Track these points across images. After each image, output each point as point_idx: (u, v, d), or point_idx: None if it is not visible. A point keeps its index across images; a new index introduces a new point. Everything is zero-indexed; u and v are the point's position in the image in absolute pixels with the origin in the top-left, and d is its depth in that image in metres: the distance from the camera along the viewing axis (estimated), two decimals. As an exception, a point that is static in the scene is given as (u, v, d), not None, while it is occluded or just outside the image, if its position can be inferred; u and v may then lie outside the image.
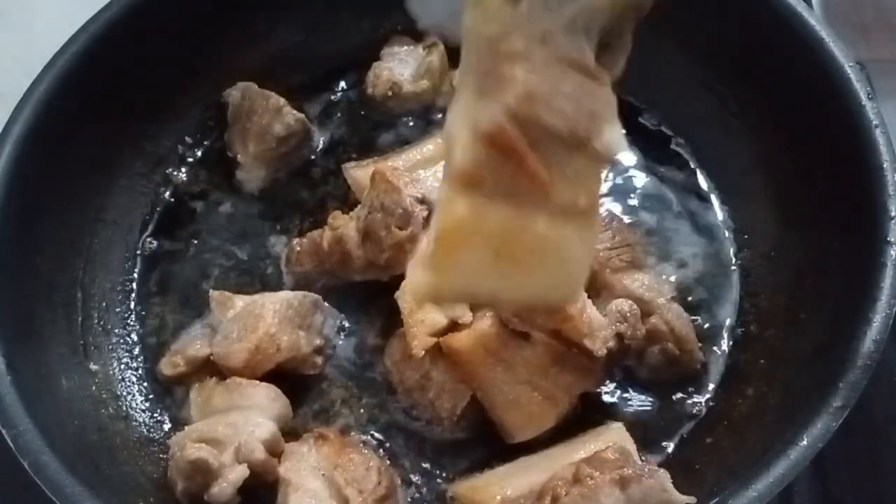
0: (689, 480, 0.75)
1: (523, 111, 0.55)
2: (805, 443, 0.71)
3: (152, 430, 0.91)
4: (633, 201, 1.02)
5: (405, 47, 1.12)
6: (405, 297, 0.87)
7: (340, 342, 0.95)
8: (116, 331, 0.97)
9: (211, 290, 0.94)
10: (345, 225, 0.93)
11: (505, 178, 0.56)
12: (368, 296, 0.95)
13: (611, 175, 1.04)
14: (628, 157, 1.05)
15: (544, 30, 0.55)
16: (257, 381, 0.87)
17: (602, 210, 1.01)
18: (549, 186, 0.56)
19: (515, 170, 0.56)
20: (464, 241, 0.56)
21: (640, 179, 1.04)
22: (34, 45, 0.99)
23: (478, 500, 0.81)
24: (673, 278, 0.96)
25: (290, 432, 0.87)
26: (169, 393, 0.93)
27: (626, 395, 0.89)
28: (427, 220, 0.87)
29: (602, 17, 0.57)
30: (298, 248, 0.96)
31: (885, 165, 0.81)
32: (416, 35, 1.11)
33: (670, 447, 0.87)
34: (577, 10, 0.56)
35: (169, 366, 0.92)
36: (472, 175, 0.55)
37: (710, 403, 0.89)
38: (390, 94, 1.08)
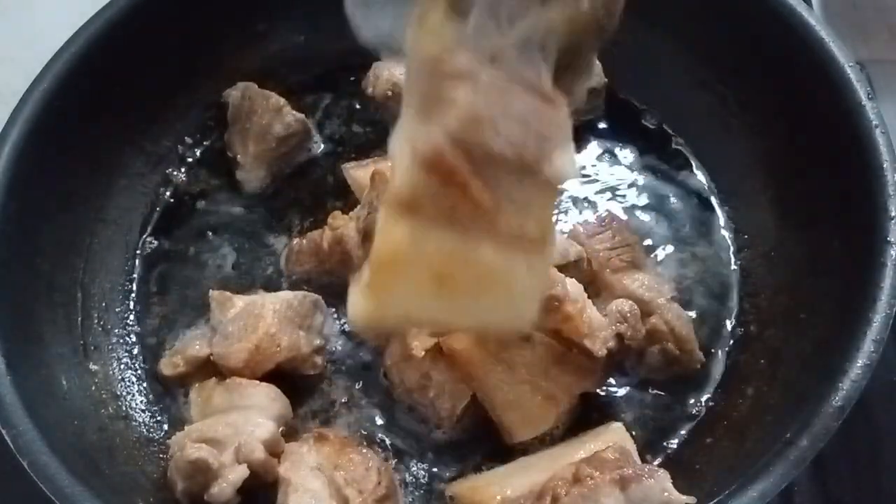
0: (689, 480, 0.75)
1: (466, 134, 0.51)
2: (805, 443, 0.71)
3: (152, 430, 0.91)
4: (633, 201, 1.02)
5: (405, 47, 1.12)
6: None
7: (341, 342, 0.95)
8: (116, 331, 0.97)
9: (211, 290, 0.94)
10: (345, 225, 0.93)
11: (447, 203, 0.52)
12: (368, 296, 0.95)
13: (610, 175, 1.04)
14: (628, 156, 1.05)
15: (495, 48, 0.52)
16: (257, 381, 0.87)
17: (602, 210, 1.01)
18: (494, 214, 0.53)
19: (458, 196, 0.52)
20: (402, 268, 0.53)
21: (640, 179, 1.04)
22: (34, 45, 0.99)
23: (478, 500, 0.81)
24: (673, 278, 0.96)
25: (290, 432, 0.87)
26: (169, 393, 0.93)
27: (626, 395, 0.89)
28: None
29: (559, 37, 0.53)
30: (298, 248, 0.96)
31: (885, 165, 0.81)
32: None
33: (670, 447, 0.87)
34: (529, 28, 0.52)
35: (169, 366, 0.92)
36: (411, 200, 0.52)
37: (710, 403, 0.89)
38: (390, 94, 1.08)
